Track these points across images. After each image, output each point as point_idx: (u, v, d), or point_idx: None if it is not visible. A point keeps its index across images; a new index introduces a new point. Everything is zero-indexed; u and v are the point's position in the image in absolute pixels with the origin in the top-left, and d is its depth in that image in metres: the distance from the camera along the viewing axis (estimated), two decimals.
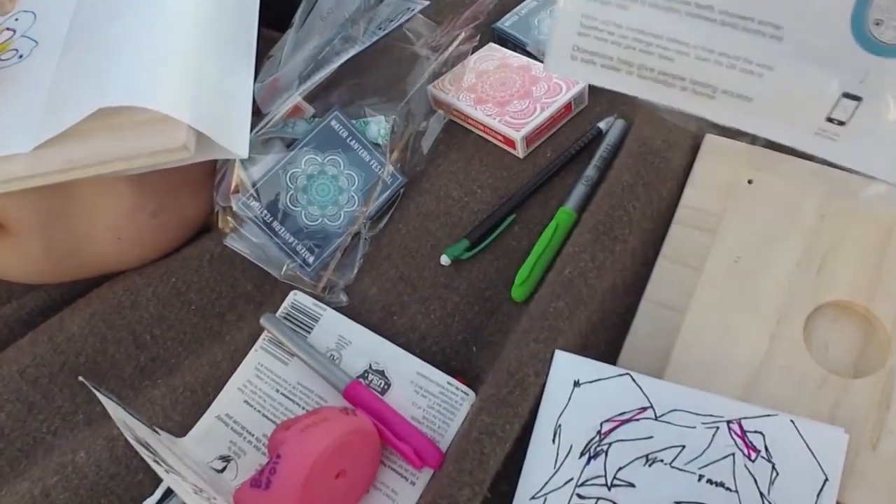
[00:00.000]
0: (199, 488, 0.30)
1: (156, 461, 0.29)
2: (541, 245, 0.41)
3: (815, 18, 0.28)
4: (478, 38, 0.48)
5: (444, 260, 0.42)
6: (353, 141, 0.45)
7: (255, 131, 0.44)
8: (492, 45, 0.51)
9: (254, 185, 0.43)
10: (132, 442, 0.28)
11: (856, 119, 0.29)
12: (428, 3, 0.49)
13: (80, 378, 0.31)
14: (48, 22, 0.42)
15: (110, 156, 0.36)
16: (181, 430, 0.40)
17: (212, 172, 0.45)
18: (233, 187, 0.42)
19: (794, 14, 0.28)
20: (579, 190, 0.43)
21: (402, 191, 0.46)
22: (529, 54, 0.50)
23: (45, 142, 0.35)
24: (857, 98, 0.28)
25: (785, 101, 0.30)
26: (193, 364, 0.43)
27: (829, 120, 0.29)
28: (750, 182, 0.39)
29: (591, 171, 0.43)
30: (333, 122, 0.44)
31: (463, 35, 0.47)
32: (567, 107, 0.46)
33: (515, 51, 0.50)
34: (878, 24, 0.27)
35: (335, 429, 0.32)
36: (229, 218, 0.43)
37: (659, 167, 0.40)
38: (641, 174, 0.39)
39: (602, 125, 0.46)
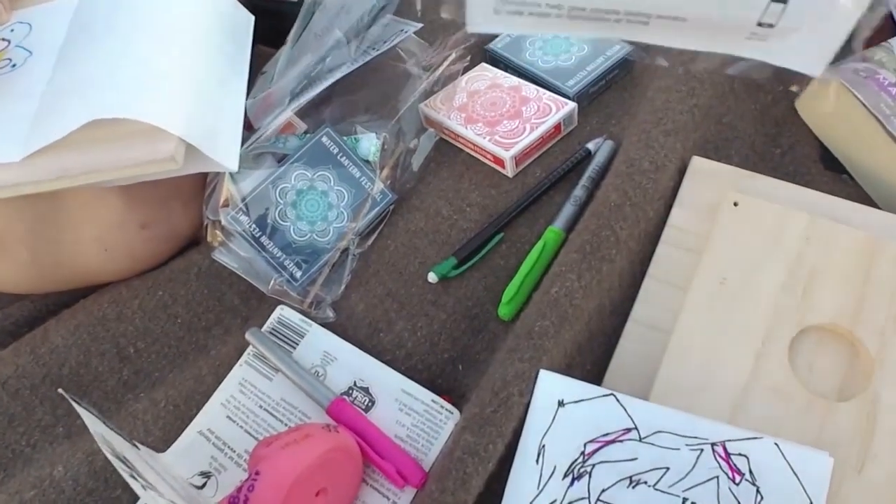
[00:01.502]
0: None
1: (133, 476, 0.28)
2: (528, 264, 0.41)
3: None
4: (469, 58, 0.49)
5: (432, 277, 0.42)
6: (344, 157, 0.45)
7: (246, 146, 0.45)
8: (484, 65, 0.52)
9: (243, 199, 0.43)
10: (109, 456, 0.28)
11: (783, 21, 0.30)
12: (421, 25, 0.50)
13: (60, 390, 0.31)
14: (43, 33, 0.42)
15: (100, 166, 0.36)
16: (162, 444, 0.39)
17: (202, 186, 0.45)
18: (222, 201, 0.42)
19: None
20: (567, 210, 0.43)
21: (391, 208, 0.46)
22: (521, 75, 0.50)
23: (36, 151, 0.35)
24: (783, 1, 0.30)
25: (718, 15, 0.31)
26: (177, 378, 0.42)
27: (760, 24, 0.31)
28: (736, 204, 0.39)
29: (579, 192, 0.44)
30: (324, 139, 0.45)
31: (454, 55, 0.47)
32: (556, 127, 0.47)
33: (507, 72, 0.51)
34: None
35: (317, 446, 0.31)
36: (218, 232, 0.43)
37: (646, 188, 0.40)
38: (629, 194, 0.39)
39: (591, 146, 0.46)
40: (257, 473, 0.30)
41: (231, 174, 0.43)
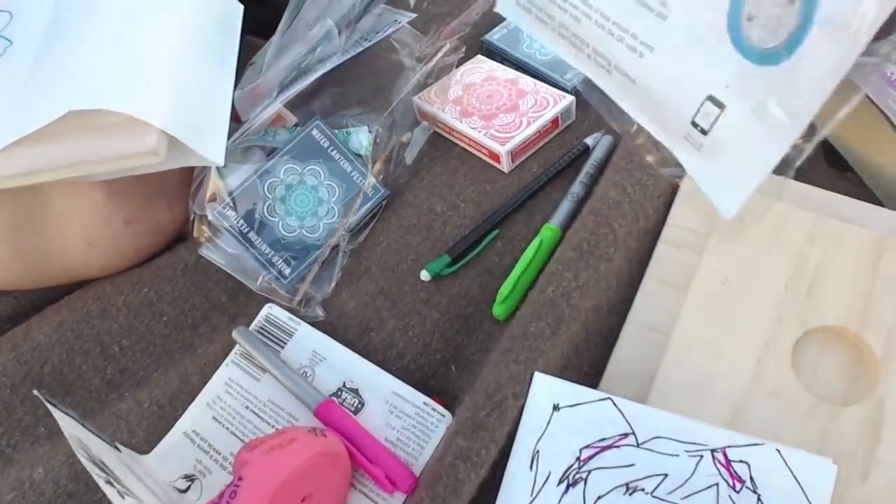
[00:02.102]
0: None
1: (109, 482, 0.27)
2: (523, 262, 0.40)
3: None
4: (464, 49, 0.47)
5: (425, 275, 0.41)
6: (335, 151, 0.43)
7: (234, 139, 0.43)
8: (479, 57, 0.50)
9: (230, 193, 0.41)
10: (84, 462, 0.27)
11: (716, 130, 0.25)
12: (415, 15, 0.49)
13: (36, 392, 0.29)
14: (24, 23, 0.41)
15: (79, 159, 0.35)
16: (146, 446, 0.38)
17: (188, 180, 0.44)
18: (209, 196, 0.41)
19: None
20: (564, 206, 0.42)
21: (383, 203, 0.45)
22: (518, 67, 0.49)
23: (14, 143, 0.34)
24: (720, 105, 0.24)
25: (660, 91, 0.26)
26: (162, 377, 0.41)
27: (694, 125, 0.26)
28: None
29: (576, 188, 0.43)
30: (314, 132, 0.43)
31: (449, 46, 0.46)
32: (554, 122, 0.45)
33: (503, 64, 0.49)
34: (749, 19, 0.22)
35: (302, 451, 0.30)
36: (205, 227, 0.42)
37: (646, 184, 0.39)
38: (628, 191, 0.38)
39: (589, 141, 0.45)
40: (240, 479, 0.29)
41: (218, 168, 0.42)
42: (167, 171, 0.43)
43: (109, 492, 0.26)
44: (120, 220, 0.41)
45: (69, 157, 0.35)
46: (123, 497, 0.27)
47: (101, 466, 0.28)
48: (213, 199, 0.41)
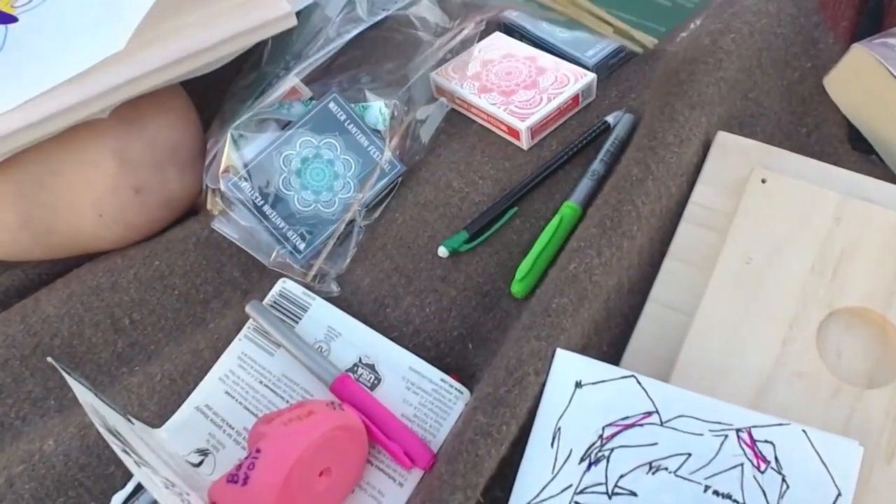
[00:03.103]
0: (171, 482, 0.28)
1: (125, 451, 0.27)
2: (543, 240, 0.39)
3: None
4: (483, 24, 0.46)
5: (442, 252, 0.40)
6: (352, 125, 0.43)
7: (248, 113, 0.42)
8: (498, 34, 0.49)
9: (245, 165, 0.41)
10: (101, 430, 0.26)
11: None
12: None
13: (50, 359, 0.29)
14: None
15: (220, 38, 0.37)
16: (158, 420, 0.37)
17: (200, 151, 0.43)
18: (223, 167, 0.40)
19: None
20: (585, 185, 0.41)
21: (399, 179, 0.44)
22: (537, 45, 0.48)
23: (145, 42, 0.35)
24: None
25: None
26: (174, 351, 0.40)
27: None
28: (763, 181, 0.37)
29: (597, 166, 0.42)
30: (331, 105, 0.42)
31: (469, 23, 0.45)
32: (574, 99, 0.45)
33: (522, 41, 0.49)
34: None
35: (321, 424, 0.30)
36: (218, 200, 0.41)
37: (669, 162, 0.38)
38: (651, 169, 0.38)
39: (610, 119, 0.44)
40: (258, 451, 0.29)
41: (233, 140, 0.41)
42: (177, 142, 0.42)
43: (126, 460, 0.25)
44: (130, 189, 0.40)
45: (214, 37, 0.36)
46: (140, 466, 0.26)
47: (117, 436, 0.28)
48: (228, 171, 0.41)
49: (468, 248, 0.40)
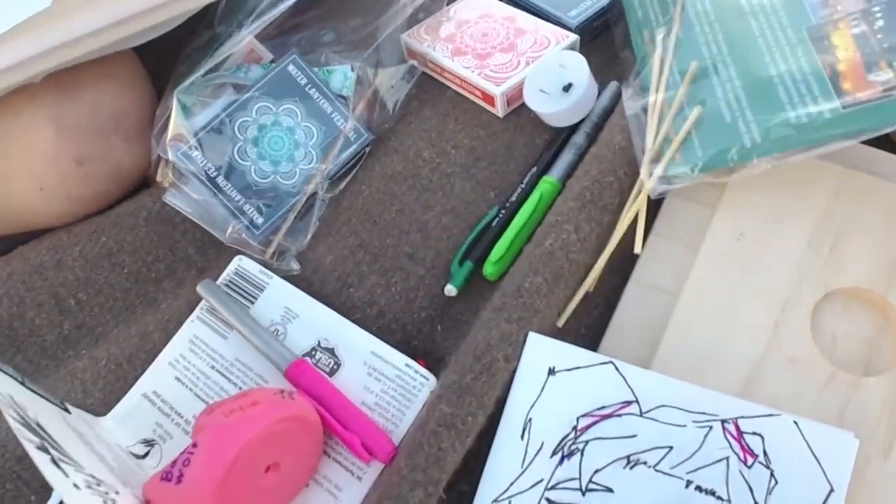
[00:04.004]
0: (97, 480, 0.25)
1: (43, 448, 0.24)
2: (521, 219, 0.36)
3: None
4: None
5: (450, 291, 0.36)
6: (313, 89, 0.39)
7: (203, 75, 0.39)
8: None
9: (195, 133, 0.37)
10: (11, 423, 0.23)
11: None
12: None
13: None
14: None
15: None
16: (103, 407, 0.35)
17: (149, 119, 0.40)
18: (170, 135, 0.37)
19: None
20: (565, 158, 0.38)
21: (367, 149, 0.41)
22: (517, 4, 0.45)
23: (76, 4, 0.32)
24: None
25: None
26: (122, 334, 0.38)
27: None
28: None
29: (579, 138, 0.39)
30: (291, 67, 0.39)
31: None
32: None
33: (501, 0, 0.45)
34: None
35: (265, 415, 0.27)
36: (168, 171, 0.38)
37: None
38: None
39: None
40: (194, 446, 0.26)
41: (183, 105, 0.37)
42: (123, 108, 0.39)
43: (39, 459, 0.22)
44: (70, 159, 0.37)
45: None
46: (58, 464, 0.24)
47: (37, 430, 0.25)
48: (177, 139, 0.37)
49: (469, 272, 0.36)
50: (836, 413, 0.29)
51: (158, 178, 0.39)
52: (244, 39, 0.37)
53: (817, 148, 0.30)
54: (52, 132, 0.36)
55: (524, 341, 0.30)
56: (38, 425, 0.26)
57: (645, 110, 0.34)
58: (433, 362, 0.35)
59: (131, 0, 0.34)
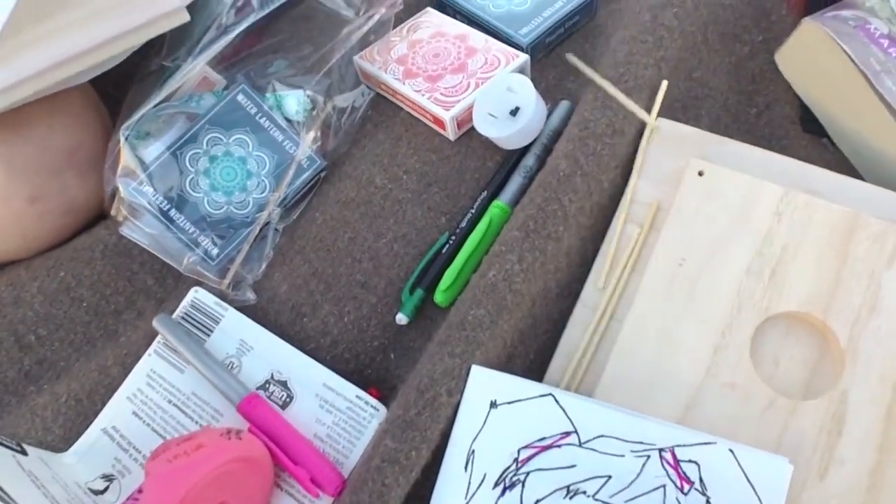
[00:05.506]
0: None
1: None
2: (470, 245, 0.36)
3: None
4: (401, 2, 0.42)
5: (402, 319, 0.36)
6: (264, 118, 0.39)
7: (155, 107, 0.39)
8: (429, 9, 0.46)
9: (146, 168, 0.37)
10: None
11: None
12: None
13: None
14: None
15: (115, 33, 0.34)
16: (63, 443, 0.35)
17: (102, 152, 0.40)
18: (119, 171, 0.37)
19: None
20: (516, 181, 0.38)
21: (322, 175, 0.41)
22: (471, 21, 0.44)
23: (16, 47, 0.32)
24: None
25: None
26: (83, 368, 0.38)
27: None
28: (701, 174, 0.34)
29: (529, 160, 0.39)
30: (240, 97, 0.39)
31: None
32: None
33: (455, 17, 0.45)
34: None
35: (210, 458, 0.27)
36: (121, 206, 0.38)
37: (601, 155, 0.35)
38: (580, 163, 0.35)
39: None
40: (139, 492, 0.26)
41: (131, 140, 0.38)
42: (75, 144, 0.39)
43: None
44: (22, 198, 0.37)
45: (96, 38, 0.34)
46: None
47: None
48: (127, 174, 0.37)
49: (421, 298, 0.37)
50: (774, 438, 0.30)
51: (113, 213, 0.39)
52: (195, 68, 0.37)
53: None
54: (2, 175, 0.36)
55: (467, 374, 0.31)
56: None
57: None
58: (387, 391, 0.35)
59: (73, 40, 0.34)
